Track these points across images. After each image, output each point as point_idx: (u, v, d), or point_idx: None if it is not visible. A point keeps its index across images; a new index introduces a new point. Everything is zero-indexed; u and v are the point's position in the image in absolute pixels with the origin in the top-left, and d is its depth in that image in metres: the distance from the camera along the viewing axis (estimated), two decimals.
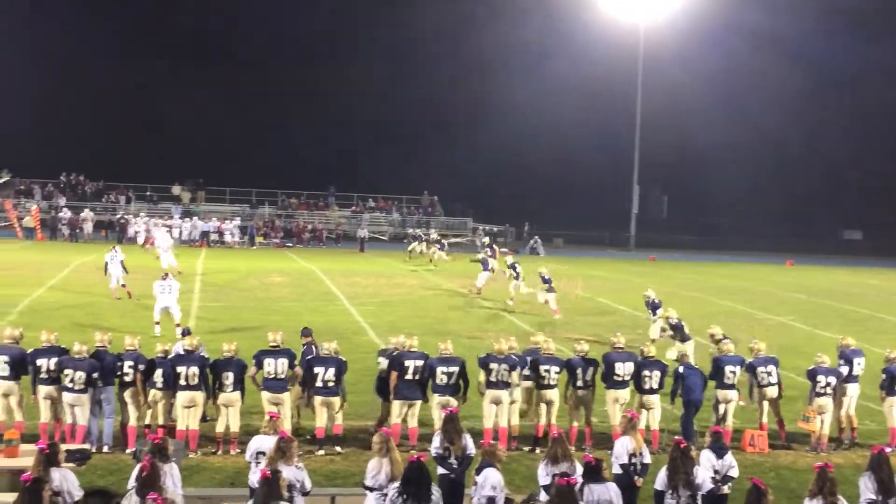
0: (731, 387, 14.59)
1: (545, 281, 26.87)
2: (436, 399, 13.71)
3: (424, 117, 67.73)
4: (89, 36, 64.04)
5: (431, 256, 42.36)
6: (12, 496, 9.14)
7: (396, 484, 9.37)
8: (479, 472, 9.78)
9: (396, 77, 66.88)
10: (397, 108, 67.04)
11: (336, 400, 13.64)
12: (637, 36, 61.98)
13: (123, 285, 27.35)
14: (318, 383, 13.54)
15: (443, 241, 45.00)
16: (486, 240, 44.19)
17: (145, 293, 24.66)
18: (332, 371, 13.56)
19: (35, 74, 62.62)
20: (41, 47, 62.83)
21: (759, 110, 68.71)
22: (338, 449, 13.45)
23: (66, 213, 51.65)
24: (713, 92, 67.67)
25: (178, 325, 21.16)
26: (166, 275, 23.11)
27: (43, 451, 9.65)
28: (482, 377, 13.93)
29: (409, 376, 13.70)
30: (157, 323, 21.59)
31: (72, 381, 13.00)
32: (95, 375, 13.12)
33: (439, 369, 13.70)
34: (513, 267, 28.81)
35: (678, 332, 18.59)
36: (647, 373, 14.09)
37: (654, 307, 21.72)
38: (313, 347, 14.59)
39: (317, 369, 13.58)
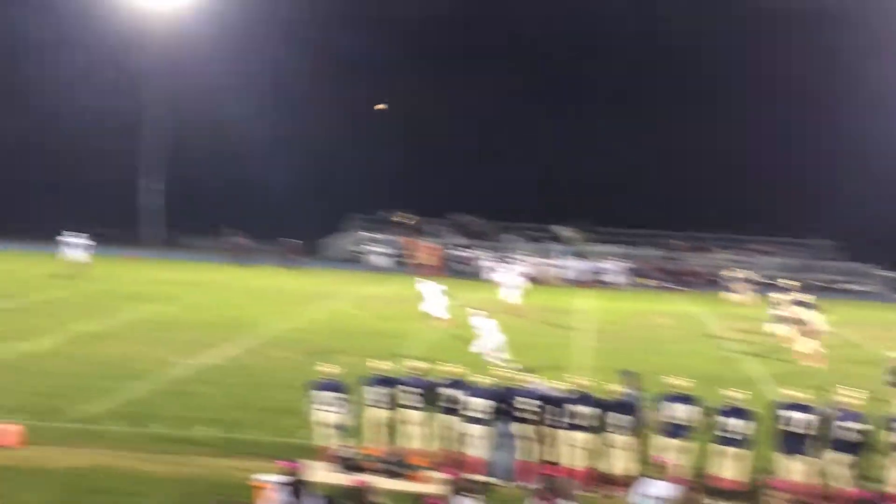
0: None
1: (801, 323, 24.97)
2: (830, 456, 13.04)
3: (823, 157, 64.12)
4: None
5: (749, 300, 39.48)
6: None
7: None
8: None
9: (801, 120, 63.89)
10: (799, 148, 64.24)
11: (743, 452, 13.33)
12: None
13: (439, 318, 28.68)
14: (726, 434, 13.38)
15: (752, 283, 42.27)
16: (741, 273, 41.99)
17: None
18: (742, 423, 13.33)
19: (429, 121, 66.87)
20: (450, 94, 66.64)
21: None
22: None
23: (460, 252, 55.07)
24: None
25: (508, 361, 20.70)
26: (477, 310, 23.97)
27: (449, 479, 10.41)
28: (891, 437, 13.08)
29: (796, 429, 13.16)
30: (506, 360, 21.47)
31: (473, 412, 13.83)
32: (497, 408, 13.79)
33: (837, 424, 13.03)
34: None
35: None
36: None
37: None
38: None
39: (725, 419, 13.43)
